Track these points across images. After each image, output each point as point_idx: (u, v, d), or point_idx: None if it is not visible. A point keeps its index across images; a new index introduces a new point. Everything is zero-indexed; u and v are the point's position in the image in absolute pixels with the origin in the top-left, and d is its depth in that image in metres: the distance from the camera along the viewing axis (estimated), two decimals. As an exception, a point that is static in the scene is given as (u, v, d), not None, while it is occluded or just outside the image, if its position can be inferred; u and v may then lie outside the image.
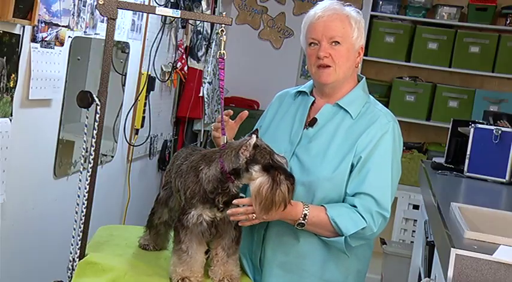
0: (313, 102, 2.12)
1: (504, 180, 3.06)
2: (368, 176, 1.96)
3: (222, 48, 1.95)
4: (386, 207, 1.96)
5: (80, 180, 2.06)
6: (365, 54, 2.15)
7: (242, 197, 1.93)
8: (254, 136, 1.84)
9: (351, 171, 1.98)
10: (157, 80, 3.84)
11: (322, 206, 1.96)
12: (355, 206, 1.95)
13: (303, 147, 2.04)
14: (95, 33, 2.98)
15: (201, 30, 4.33)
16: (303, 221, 1.93)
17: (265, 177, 1.81)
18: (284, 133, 2.09)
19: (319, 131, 2.05)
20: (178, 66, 4.13)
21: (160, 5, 3.56)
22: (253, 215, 1.85)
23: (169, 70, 4.04)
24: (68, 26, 2.71)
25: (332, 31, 2.01)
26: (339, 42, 2.01)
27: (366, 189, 1.95)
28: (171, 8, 3.20)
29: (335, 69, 2.02)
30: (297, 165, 2.02)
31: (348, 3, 2.10)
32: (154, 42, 3.72)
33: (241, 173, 1.85)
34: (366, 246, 2.09)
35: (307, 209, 1.93)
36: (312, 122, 2.07)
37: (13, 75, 2.37)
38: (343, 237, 1.93)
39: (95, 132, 1.99)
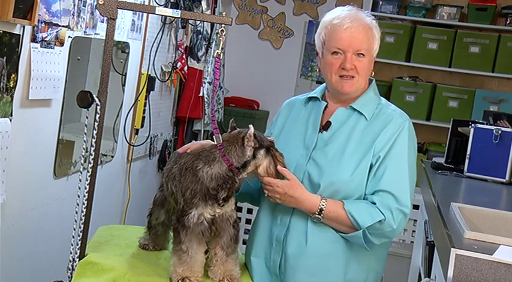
0: (325, 106, 2.13)
1: (504, 180, 3.05)
2: (385, 174, 1.97)
3: (219, 49, 1.96)
4: (406, 203, 1.96)
5: (80, 180, 2.07)
6: (365, 54, 2.17)
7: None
8: (251, 126, 1.92)
9: (370, 172, 2.00)
10: (157, 80, 3.84)
11: (340, 201, 1.97)
12: (374, 203, 1.96)
13: (320, 150, 2.05)
14: (95, 33, 2.98)
15: (201, 30, 4.32)
16: (318, 216, 1.96)
17: (268, 158, 1.95)
18: (297, 138, 2.09)
19: (335, 134, 2.06)
20: (178, 66, 4.13)
21: (160, 5, 3.56)
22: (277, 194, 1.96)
23: (169, 70, 4.04)
24: (68, 26, 2.71)
25: (359, 44, 2.02)
26: (363, 54, 2.03)
27: (384, 186, 1.96)
28: (171, 8, 3.20)
29: (358, 79, 2.04)
30: (314, 169, 2.02)
31: (366, 11, 2.13)
32: (154, 42, 3.72)
33: (248, 163, 1.92)
34: (384, 246, 2.10)
35: (324, 203, 1.95)
36: (326, 126, 2.08)
37: (13, 75, 2.36)
38: (362, 231, 1.94)
39: (95, 132, 1.99)
